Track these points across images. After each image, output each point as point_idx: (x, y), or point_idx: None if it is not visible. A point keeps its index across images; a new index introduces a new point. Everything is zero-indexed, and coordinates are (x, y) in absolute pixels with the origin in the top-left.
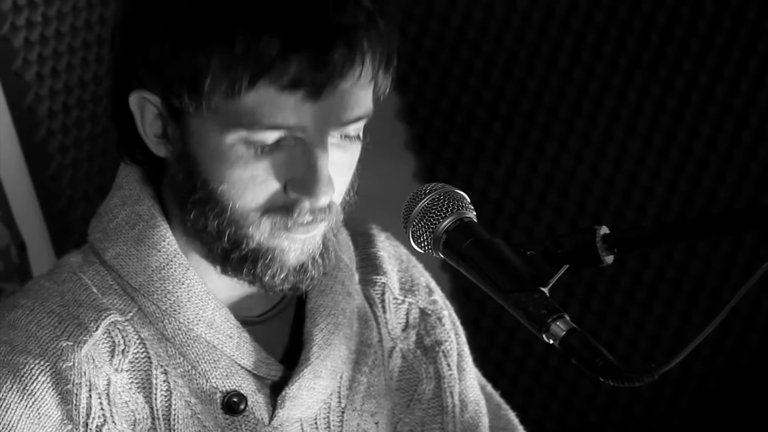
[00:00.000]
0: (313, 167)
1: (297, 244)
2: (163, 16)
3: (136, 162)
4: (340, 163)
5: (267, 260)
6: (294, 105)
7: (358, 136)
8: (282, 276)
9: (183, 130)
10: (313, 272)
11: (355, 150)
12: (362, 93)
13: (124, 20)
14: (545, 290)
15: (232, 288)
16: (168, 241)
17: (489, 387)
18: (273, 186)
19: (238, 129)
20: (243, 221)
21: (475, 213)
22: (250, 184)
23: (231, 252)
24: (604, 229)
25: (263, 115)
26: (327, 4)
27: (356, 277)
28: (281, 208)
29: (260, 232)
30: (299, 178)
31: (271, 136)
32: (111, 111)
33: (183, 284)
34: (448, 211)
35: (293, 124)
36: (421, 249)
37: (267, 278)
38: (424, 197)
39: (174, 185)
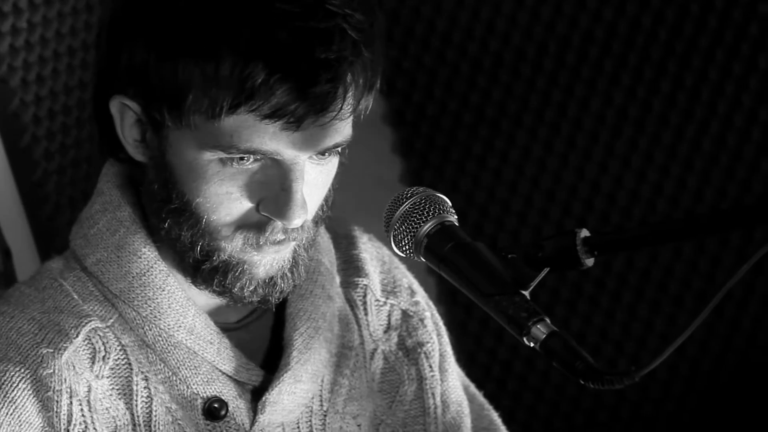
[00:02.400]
0: (287, 191)
1: (267, 258)
2: (150, 29)
3: (120, 160)
4: (314, 181)
5: (237, 272)
6: (272, 132)
7: (337, 152)
8: (251, 288)
9: (161, 140)
10: (282, 286)
11: (332, 167)
12: (342, 124)
13: (110, 26)
14: (526, 293)
15: (210, 295)
16: (148, 247)
17: (472, 387)
18: (246, 204)
19: (215, 149)
20: (216, 234)
21: (456, 217)
22: (225, 201)
23: (202, 263)
24: (585, 232)
25: (241, 139)
26: (314, 36)
27: (337, 280)
28: (254, 225)
29: (232, 246)
30: (272, 198)
31: (247, 158)
32: (93, 111)
33: (163, 291)
34: (429, 215)
35: (270, 150)
36: (402, 253)
37: (236, 290)
38: (406, 201)
39: (150, 193)
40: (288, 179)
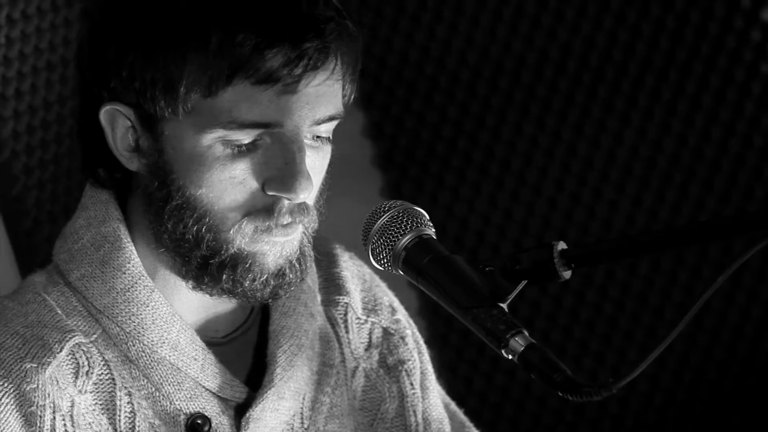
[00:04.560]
0: (291, 163)
1: (276, 248)
2: (134, 22)
3: (101, 183)
4: (312, 164)
5: (247, 265)
6: (270, 100)
7: (329, 139)
8: (262, 280)
9: (157, 138)
10: (291, 276)
11: (326, 152)
12: (335, 88)
13: (92, 32)
14: (504, 306)
15: (200, 308)
16: (133, 263)
17: (453, 405)
18: (251, 185)
19: (215, 128)
20: (222, 225)
21: (434, 230)
22: (229, 186)
23: (210, 258)
24: (562, 245)
25: (240, 112)
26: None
27: (318, 298)
28: (262, 209)
29: (241, 236)
30: (277, 175)
31: (248, 135)
32: (77, 130)
33: (147, 306)
34: (407, 229)
35: (270, 120)
36: (380, 266)
37: (247, 283)
38: (383, 215)
39: (147, 197)
40: (291, 151)
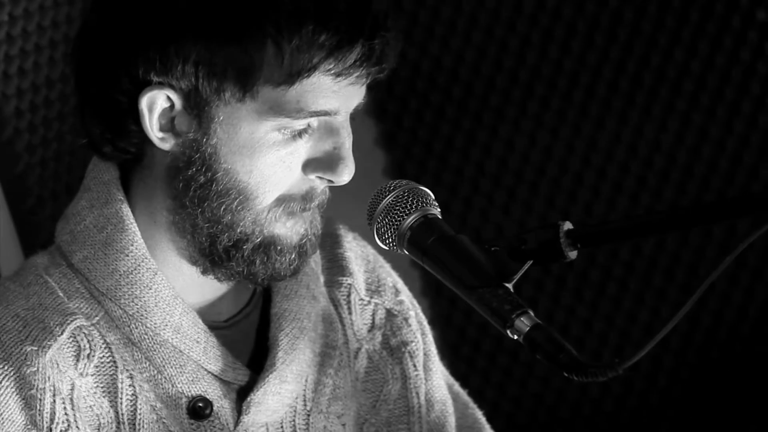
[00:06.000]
0: (340, 148)
1: (302, 225)
2: (203, 11)
3: (105, 156)
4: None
5: (279, 247)
6: (337, 90)
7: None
8: (291, 258)
9: (206, 122)
10: (310, 252)
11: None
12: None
13: (128, 16)
14: (509, 286)
15: (202, 292)
16: (136, 245)
17: (456, 386)
18: (295, 169)
19: (279, 117)
20: (262, 210)
21: (439, 209)
22: (278, 169)
23: (243, 243)
24: (568, 225)
25: (308, 102)
26: None
27: (321, 279)
28: (297, 195)
29: (276, 220)
30: (325, 159)
31: (305, 122)
32: (82, 109)
33: (150, 289)
34: (412, 208)
35: (332, 109)
36: (385, 246)
37: (278, 264)
38: (389, 194)
39: (178, 178)
40: (341, 137)
